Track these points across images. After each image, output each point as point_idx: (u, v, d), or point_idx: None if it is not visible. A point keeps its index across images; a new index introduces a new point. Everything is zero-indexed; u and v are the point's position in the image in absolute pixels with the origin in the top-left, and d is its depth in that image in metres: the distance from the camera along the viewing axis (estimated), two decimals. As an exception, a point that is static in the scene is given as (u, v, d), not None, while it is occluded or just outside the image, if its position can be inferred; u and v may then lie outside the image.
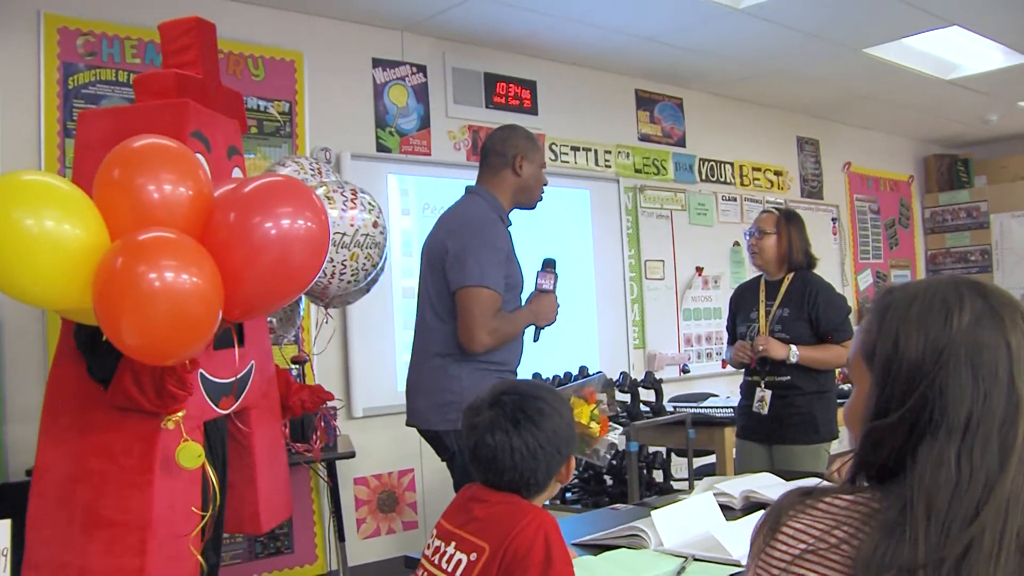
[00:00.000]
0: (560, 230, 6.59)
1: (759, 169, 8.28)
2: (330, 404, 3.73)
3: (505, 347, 3.45)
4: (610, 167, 7.04)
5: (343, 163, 5.49)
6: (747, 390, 4.45)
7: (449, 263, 3.38)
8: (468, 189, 3.66)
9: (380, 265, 3.68)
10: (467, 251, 3.36)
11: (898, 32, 6.50)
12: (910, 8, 5.93)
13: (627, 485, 4.49)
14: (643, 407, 4.80)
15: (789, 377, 4.24)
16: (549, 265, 3.64)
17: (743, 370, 4.50)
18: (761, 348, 4.24)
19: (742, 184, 8.10)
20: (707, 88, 7.75)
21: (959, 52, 7.14)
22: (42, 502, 2.66)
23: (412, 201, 5.79)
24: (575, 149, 6.82)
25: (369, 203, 3.57)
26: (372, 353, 5.50)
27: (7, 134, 4.48)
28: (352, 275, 3.51)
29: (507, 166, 3.58)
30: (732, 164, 8.02)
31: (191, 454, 2.53)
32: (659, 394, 4.86)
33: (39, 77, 4.59)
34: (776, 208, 4.64)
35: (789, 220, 4.48)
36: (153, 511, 2.55)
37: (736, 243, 7.90)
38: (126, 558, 2.53)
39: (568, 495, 4.84)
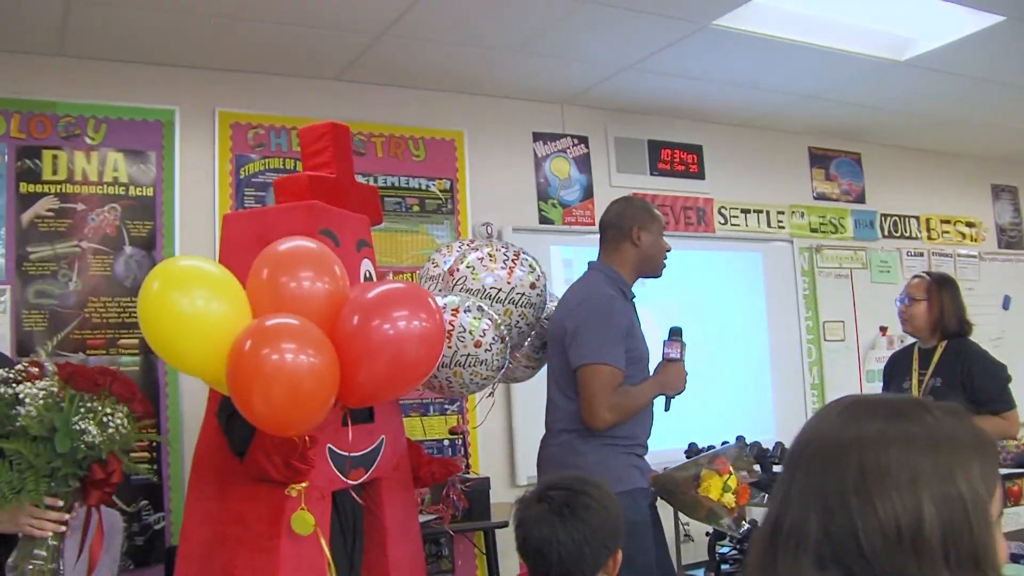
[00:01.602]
0: (731, 295, 6.72)
1: (948, 221, 8.16)
2: (462, 475, 3.99)
3: (632, 422, 3.60)
4: (783, 228, 7.13)
5: (505, 236, 5.80)
6: None
7: (568, 341, 3.57)
8: (590, 265, 3.85)
9: (534, 326, 3.89)
10: (584, 328, 3.54)
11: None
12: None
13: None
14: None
15: None
16: (675, 333, 3.78)
17: None
18: None
19: (929, 238, 8.00)
20: (886, 141, 7.73)
21: None
22: (186, 564, 3.06)
23: (576, 272, 6.03)
24: (745, 212, 6.94)
25: (531, 265, 3.78)
26: (536, 421, 5.73)
27: (186, 223, 4.99)
28: (506, 329, 3.74)
29: (625, 239, 3.73)
30: (918, 218, 7.95)
31: (303, 522, 2.86)
32: None
33: (214, 169, 5.12)
34: (927, 273, 4.65)
35: (941, 286, 4.49)
36: (279, 573, 2.88)
37: (925, 300, 7.79)
38: (256, 614, 2.87)
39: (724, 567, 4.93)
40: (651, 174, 6.50)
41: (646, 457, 3.75)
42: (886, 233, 7.74)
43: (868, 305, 7.45)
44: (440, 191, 5.70)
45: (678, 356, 3.75)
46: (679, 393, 3.75)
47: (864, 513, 1.14)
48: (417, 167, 5.65)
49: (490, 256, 3.72)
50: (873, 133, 7.52)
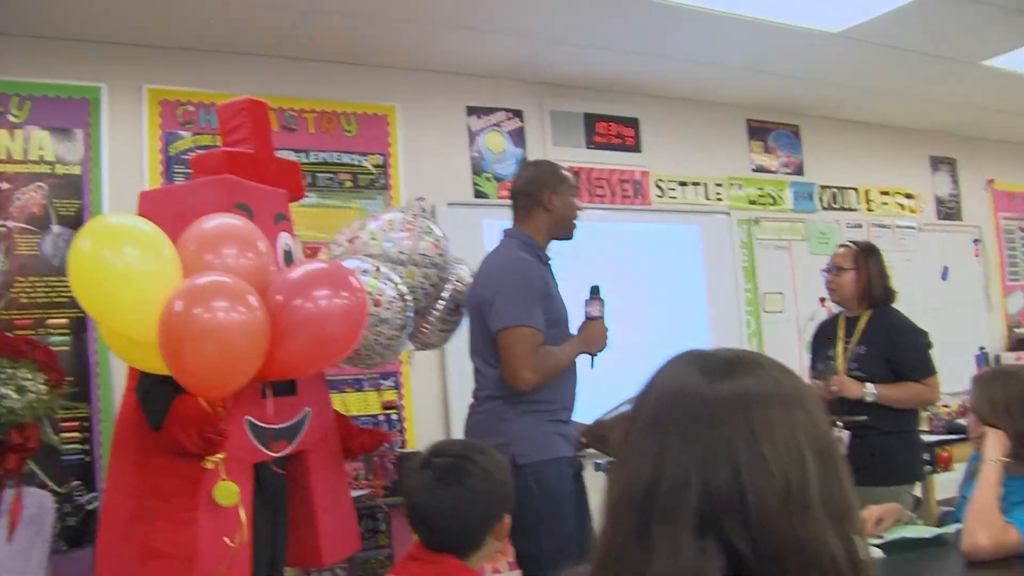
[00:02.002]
0: (669, 268, 6.81)
1: (887, 193, 8.29)
2: (387, 446, 4.05)
3: (554, 387, 3.65)
4: (721, 200, 7.22)
5: (439, 211, 5.85)
6: None
7: (486, 309, 3.63)
8: (504, 232, 3.90)
9: (440, 287, 3.96)
10: (500, 294, 3.59)
11: (1014, 41, 6.45)
12: (1021, 15, 5.94)
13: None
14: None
15: (867, 417, 4.23)
16: (595, 292, 3.85)
17: None
18: (835, 388, 4.28)
19: (868, 210, 8.13)
20: (824, 113, 7.84)
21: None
22: (108, 538, 3.12)
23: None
24: (683, 184, 7.02)
25: (429, 227, 3.90)
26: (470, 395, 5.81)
27: (115, 201, 4.99)
28: (411, 292, 3.78)
29: (537, 204, 3.79)
30: (856, 190, 8.07)
31: (226, 492, 2.91)
32: None
33: (143, 147, 5.13)
34: (853, 243, 4.66)
35: (868, 255, 4.53)
36: (199, 544, 2.93)
37: (864, 271, 7.92)
38: (176, 587, 2.93)
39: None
40: (587, 147, 6.57)
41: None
42: (825, 205, 7.86)
43: (807, 277, 7.55)
44: (373, 166, 5.74)
45: (599, 314, 3.81)
46: (602, 351, 3.80)
47: (755, 471, 1.10)
48: (349, 142, 5.68)
49: (389, 223, 3.80)
50: (811, 105, 7.63)
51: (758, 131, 7.54)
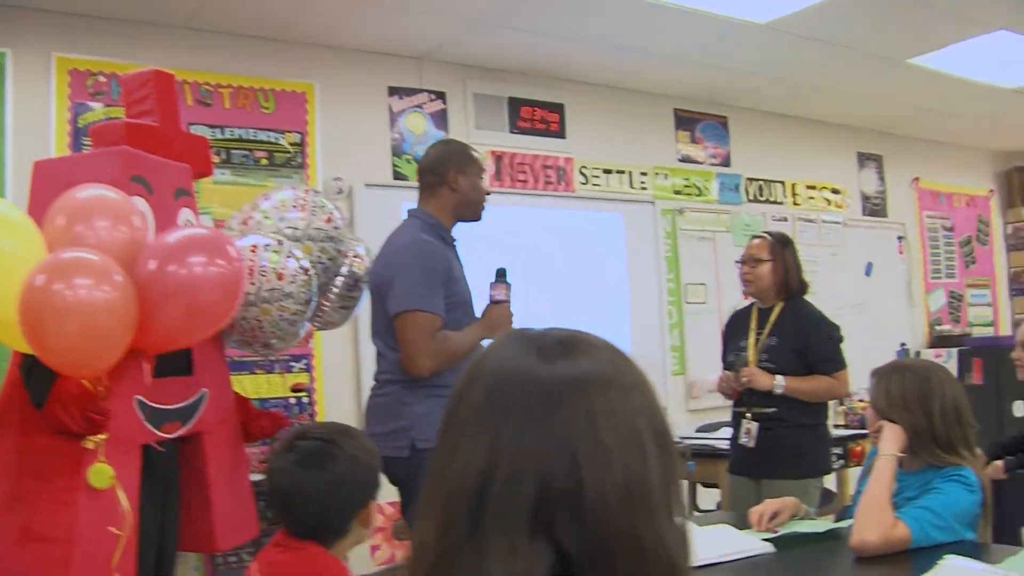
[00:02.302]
0: (590, 256, 6.81)
1: (813, 187, 8.36)
2: (287, 429, 3.99)
3: (457, 372, 3.60)
4: (646, 189, 7.23)
5: (356, 192, 5.80)
6: (735, 422, 4.48)
7: (386, 290, 3.59)
8: (408, 212, 3.86)
9: (338, 261, 3.91)
10: (399, 276, 3.56)
11: (939, 40, 6.51)
12: (947, 15, 6.00)
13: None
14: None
15: (776, 409, 4.25)
16: (501, 275, 3.83)
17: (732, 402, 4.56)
18: (745, 379, 4.29)
19: (794, 204, 8.19)
20: (752, 106, 7.88)
21: (1020, 60, 7.10)
22: (-13, 518, 3.03)
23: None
24: (607, 172, 7.02)
25: (322, 202, 3.87)
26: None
27: (19, 173, 4.86)
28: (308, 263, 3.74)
29: (442, 183, 3.76)
30: (783, 183, 8.13)
31: (100, 474, 2.84)
32: None
33: (50, 117, 5.00)
34: (768, 234, 4.65)
35: (784, 245, 4.53)
36: (79, 527, 2.87)
37: (788, 264, 7.98)
38: (55, 571, 2.85)
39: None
40: (511, 132, 6.54)
41: None
42: (751, 197, 7.90)
43: (731, 268, 7.51)
44: (290, 144, 5.66)
45: (504, 298, 3.79)
46: None
47: (594, 461, 1.02)
48: (266, 119, 5.60)
49: (281, 201, 3.78)
50: (739, 97, 7.67)
51: (686, 121, 7.56)
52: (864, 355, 8.31)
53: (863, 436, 5.81)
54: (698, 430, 6.25)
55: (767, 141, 8.07)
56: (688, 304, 7.31)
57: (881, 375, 2.93)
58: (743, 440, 4.33)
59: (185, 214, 3.52)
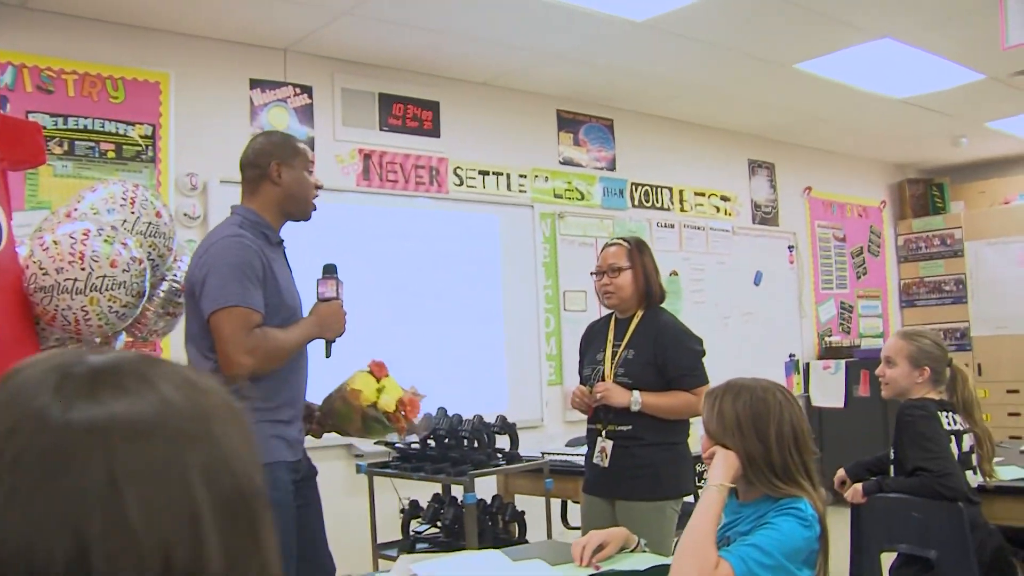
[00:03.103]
0: (463, 260, 6.69)
1: (702, 194, 8.34)
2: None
3: (273, 382, 3.35)
4: (524, 192, 7.13)
5: (211, 188, 5.63)
6: (589, 440, 4.26)
7: (198, 291, 3.34)
8: (231, 208, 3.65)
9: (167, 258, 3.76)
10: (212, 274, 3.30)
11: (825, 46, 6.51)
12: (832, 21, 6.00)
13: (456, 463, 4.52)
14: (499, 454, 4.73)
15: (631, 427, 4.03)
16: (330, 270, 3.58)
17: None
18: (600, 395, 4.04)
19: (682, 210, 8.16)
20: (639, 109, 7.83)
21: (908, 70, 7.15)
22: None
23: (291, 228, 5.86)
24: (483, 173, 6.91)
25: (151, 197, 3.74)
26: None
27: None
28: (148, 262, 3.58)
29: (264, 178, 3.50)
30: (671, 189, 8.09)
31: None
32: (514, 440, 4.78)
33: None
34: (623, 239, 4.36)
35: (641, 250, 4.26)
36: None
37: (674, 272, 7.94)
38: None
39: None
40: (381, 129, 6.40)
41: None
42: (636, 203, 7.85)
43: (613, 275, 7.53)
44: (140, 137, 5.46)
45: (334, 294, 3.53)
46: (338, 335, 3.55)
47: (111, 542, 0.72)
48: (114, 110, 5.39)
49: (109, 195, 3.61)
50: (626, 100, 7.60)
51: (568, 122, 7.48)
52: (752, 365, 8.35)
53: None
54: (569, 443, 6.12)
55: (655, 145, 8.02)
56: (567, 312, 7.21)
57: (712, 396, 2.70)
58: (596, 459, 4.11)
59: (-12, 203, 3.33)
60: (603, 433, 4.11)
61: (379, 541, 4.86)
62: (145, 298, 3.55)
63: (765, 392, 2.62)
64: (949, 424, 3.81)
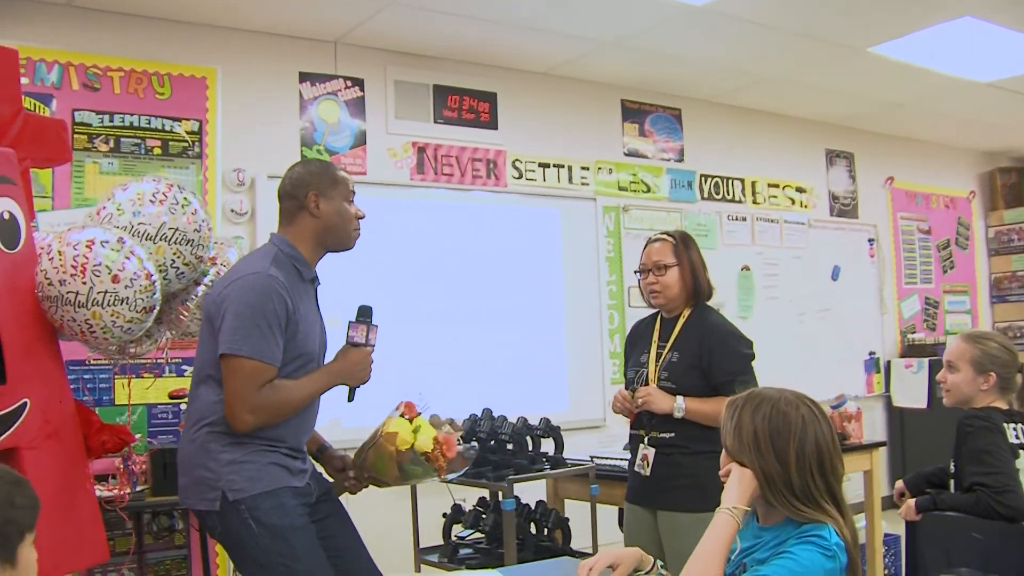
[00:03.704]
0: (523, 256, 6.63)
1: (776, 185, 8.14)
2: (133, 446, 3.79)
3: (279, 427, 3.26)
4: (587, 185, 7.01)
5: (259, 184, 5.60)
6: (632, 446, 4.05)
7: (216, 322, 3.23)
8: (270, 236, 3.52)
9: (197, 268, 3.68)
10: (232, 311, 3.18)
11: (902, 27, 6.28)
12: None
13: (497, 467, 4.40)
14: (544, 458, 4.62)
15: (674, 434, 3.81)
16: (364, 314, 3.44)
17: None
18: (640, 401, 3.84)
19: (754, 202, 7.97)
20: (708, 98, 7.66)
21: (991, 51, 6.86)
22: None
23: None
24: (543, 166, 6.80)
25: (185, 199, 3.59)
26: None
27: None
28: (160, 271, 3.52)
29: (302, 209, 3.39)
30: (742, 180, 7.91)
31: None
32: (559, 443, 4.65)
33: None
34: (667, 234, 4.09)
35: (687, 244, 4.01)
36: None
37: (746, 267, 7.77)
38: None
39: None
40: (435, 122, 6.33)
41: None
42: (705, 195, 7.68)
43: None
44: (186, 133, 5.45)
45: (363, 341, 3.39)
46: (362, 383, 3.42)
47: None
48: (160, 106, 5.38)
49: (139, 193, 3.53)
50: (693, 88, 7.44)
51: (634, 113, 7.33)
52: (829, 364, 8.16)
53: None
54: (628, 446, 5.96)
55: (725, 136, 7.85)
56: (631, 308, 7.05)
57: (734, 407, 2.47)
58: (638, 467, 3.91)
59: (5, 204, 3.31)
60: (645, 440, 3.90)
61: (422, 546, 4.79)
62: (155, 312, 3.48)
63: (787, 405, 2.38)
64: (1016, 437, 3.53)
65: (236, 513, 3.11)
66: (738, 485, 2.34)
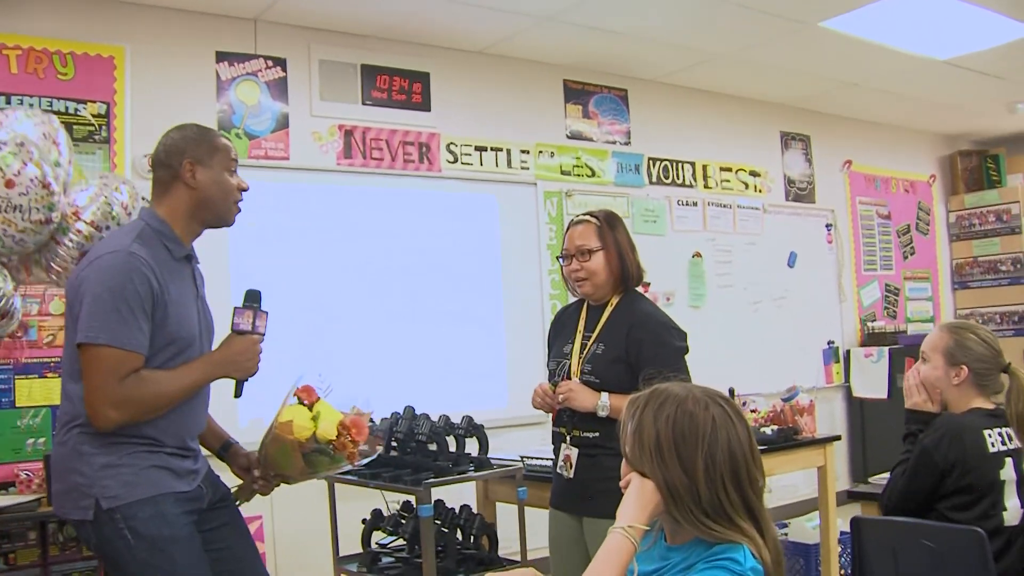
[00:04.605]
0: (457, 244, 6.44)
1: (729, 169, 7.97)
2: None
3: (161, 423, 2.99)
4: (527, 169, 6.82)
5: (171, 170, 5.39)
6: (555, 446, 3.81)
7: (76, 308, 2.95)
8: (140, 210, 3.30)
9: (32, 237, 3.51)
10: (89, 297, 2.91)
11: (850, 0, 6.12)
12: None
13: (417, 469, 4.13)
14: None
15: (598, 433, 3.57)
16: (251, 299, 3.17)
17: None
18: (562, 397, 3.60)
19: (706, 187, 7.80)
20: (659, 78, 7.49)
21: (948, 26, 6.70)
22: None
23: (266, 212, 5.58)
24: (480, 150, 6.61)
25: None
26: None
27: None
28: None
29: (176, 178, 3.09)
30: (693, 164, 7.74)
31: None
32: (483, 443, 4.35)
33: None
34: (591, 215, 3.81)
35: (612, 225, 3.74)
36: None
37: (697, 254, 7.61)
38: None
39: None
40: (363, 103, 6.12)
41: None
42: (654, 179, 7.51)
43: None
44: (93, 116, 5.22)
45: (249, 328, 3.12)
46: (249, 375, 3.15)
47: None
48: (64, 87, 5.15)
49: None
50: (641, 68, 7.26)
51: (577, 93, 7.15)
52: (785, 355, 8.02)
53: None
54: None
55: (674, 118, 7.68)
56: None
57: (635, 407, 2.17)
58: (560, 469, 3.69)
59: None
60: (568, 439, 3.67)
61: (341, 554, 4.59)
62: (51, 227, 3.28)
63: (695, 405, 2.09)
64: (1003, 443, 3.26)
65: (111, 523, 2.86)
66: (637, 499, 2.07)
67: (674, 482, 2.02)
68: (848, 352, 8.61)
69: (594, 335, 3.69)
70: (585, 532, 3.62)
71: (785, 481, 7.44)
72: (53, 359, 5.00)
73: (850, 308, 8.76)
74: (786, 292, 8.22)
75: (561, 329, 3.93)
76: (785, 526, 6.02)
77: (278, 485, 3.34)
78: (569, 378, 3.67)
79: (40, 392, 4.97)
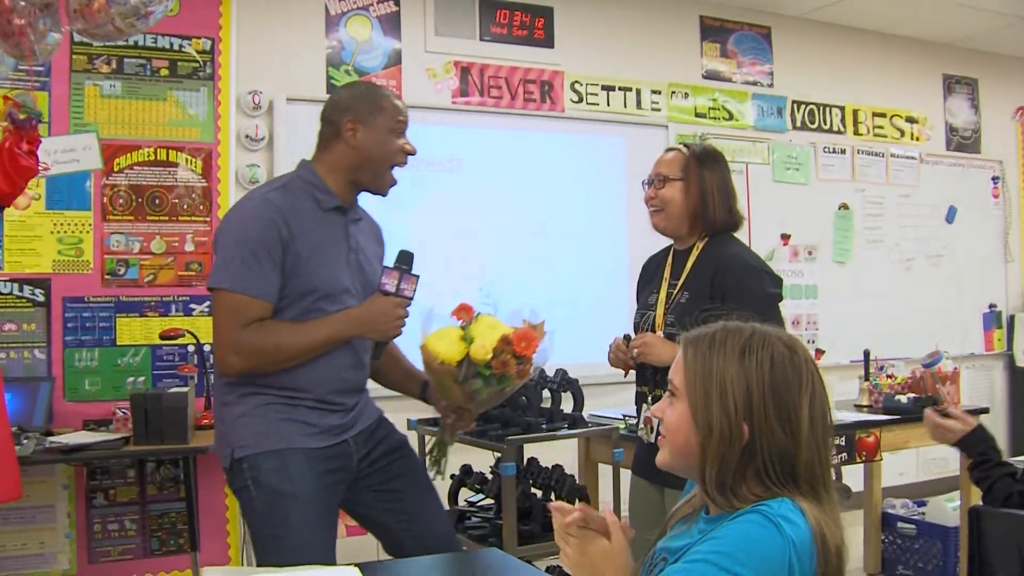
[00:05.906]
0: (582, 190, 6.37)
1: (883, 115, 7.70)
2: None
3: (299, 372, 3.01)
4: (659, 110, 6.69)
5: (276, 107, 5.43)
6: (637, 406, 3.62)
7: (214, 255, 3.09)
8: (298, 164, 3.23)
9: None
10: (219, 242, 3.01)
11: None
12: None
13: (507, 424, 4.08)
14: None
15: None
16: (402, 259, 3.11)
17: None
18: (637, 352, 3.39)
19: (856, 133, 7.55)
20: (804, 14, 7.24)
21: None
22: None
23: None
24: (608, 89, 6.50)
25: None
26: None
27: None
28: None
29: (337, 136, 3.10)
30: (842, 108, 7.49)
31: None
32: (578, 399, 4.33)
33: None
34: (685, 145, 3.61)
35: (703, 162, 3.47)
36: None
37: (844, 205, 7.39)
38: None
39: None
40: (481, 39, 6.07)
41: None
42: (798, 124, 7.30)
43: (768, 207, 7.02)
44: (197, 52, 5.29)
45: (393, 289, 3.05)
46: (386, 338, 3.11)
47: None
48: (168, 23, 5.17)
49: None
50: (786, 3, 7.03)
51: (714, 31, 6.97)
52: (940, 317, 7.74)
53: (879, 423, 5.12)
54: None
55: (823, 58, 7.42)
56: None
57: (701, 345, 1.88)
58: (640, 432, 3.48)
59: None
60: (649, 399, 3.47)
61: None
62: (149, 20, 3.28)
63: (793, 351, 1.81)
64: None
65: (240, 472, 2.95)
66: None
67: (763, 442, 1.75)
68: (1012, 317, 8.25)
69: (680, 283, 3.47)
70: (667, 504, 3.35)
71: (934, 454, 7.22)
72: (153, 298, 5.11)
73: (1016, 269, 8.37)
74: (943, 250, 7.92)
75: (648, 279, 3.73)
76: (923, 504, 5.80)
77: (474, 418, 3.29)
78: (653, 330, 3.47)
79: (141, 331, 5.09)
